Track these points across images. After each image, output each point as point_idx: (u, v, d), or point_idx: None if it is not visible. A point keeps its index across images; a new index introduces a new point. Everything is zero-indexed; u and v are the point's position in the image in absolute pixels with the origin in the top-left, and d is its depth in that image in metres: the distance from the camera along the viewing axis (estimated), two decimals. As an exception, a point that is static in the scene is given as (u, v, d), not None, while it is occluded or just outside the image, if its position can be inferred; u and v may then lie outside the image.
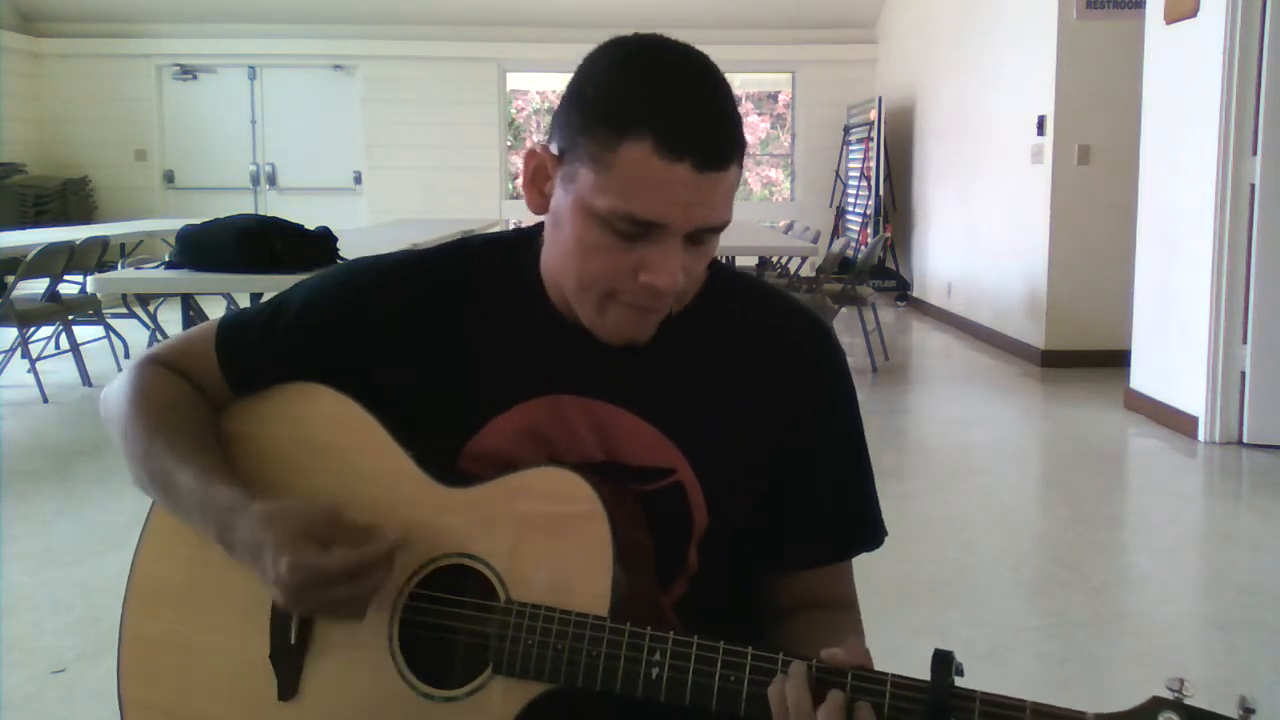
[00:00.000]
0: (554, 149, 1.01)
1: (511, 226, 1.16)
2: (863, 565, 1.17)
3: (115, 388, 1.16)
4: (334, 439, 1.11)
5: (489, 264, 1.14)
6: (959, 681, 0.87)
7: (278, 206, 9.96)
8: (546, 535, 1.01)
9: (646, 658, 0.95)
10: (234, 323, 1.18)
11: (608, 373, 1.08)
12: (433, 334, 1.11)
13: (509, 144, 11.15)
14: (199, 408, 1.14)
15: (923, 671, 0.88)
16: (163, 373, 1.16)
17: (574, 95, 0.99)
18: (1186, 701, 0.82)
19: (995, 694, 0.86)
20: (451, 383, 1.10)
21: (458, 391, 1.10)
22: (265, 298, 1.21)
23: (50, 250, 5.73)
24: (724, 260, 1.07)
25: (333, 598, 0.98)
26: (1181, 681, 0.82)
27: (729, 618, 1.11)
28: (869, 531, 1.14)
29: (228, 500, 1.03)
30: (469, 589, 1.03)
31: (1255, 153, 4.71)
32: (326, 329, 1.13)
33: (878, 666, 0.92)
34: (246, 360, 1.15)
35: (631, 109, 0.95)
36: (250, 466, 1.12)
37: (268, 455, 1.13)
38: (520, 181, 1.07)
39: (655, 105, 0.94)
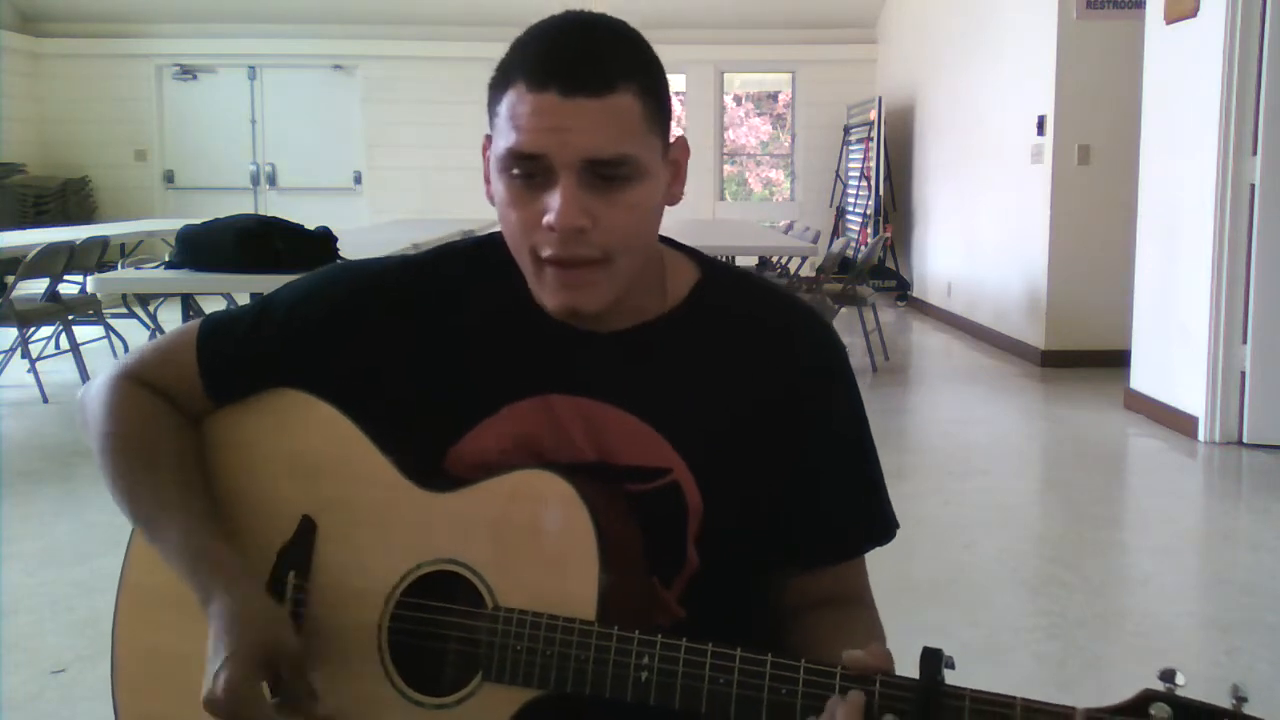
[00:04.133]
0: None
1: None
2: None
3: (93, 401, 1.13)
4: (317, 446, 1.10)
5: (478, 266, 1.13)
6: (950, 677, 0.87)
7: (278, 206, 9.96)
8: (531, 539, 1.00)
9: (635, 661, 0.94)
10: (215, 330, 1.15)
11: (600, 370, 1.07)
12: (423, 337, 1.11)
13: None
14: (182, 441, 1.12)
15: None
16: (142, 397, 1.12)
17: None
18: (1178, 693, 0.82)
19: (985, 691, 0.86)
20: (442, 385, 1.10)
21: (448, 394, 1.09)
22: (259, 298, 1.19)
23: (50, 250, 5.73)
24: (724, 260, 1.06)
25: None
26: (1173, 672, 0.82)
27: (734, 610, 1.11)
28: (879, 527, 1.14)
29: (209, 565, 1.03)
30: (457, 594, 1.02)
31: (1255, 153, 4.71)
32: (315, 334, 1.12)
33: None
34: (230, 369, 1.13)
35: (510, 62, 1.00)
36: (232, 475, 1.12)
37: (250, 463, 1.12)
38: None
39: (525, 52, 1.00)
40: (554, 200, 0.97)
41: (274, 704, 0.98)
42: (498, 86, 1.00)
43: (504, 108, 0.99)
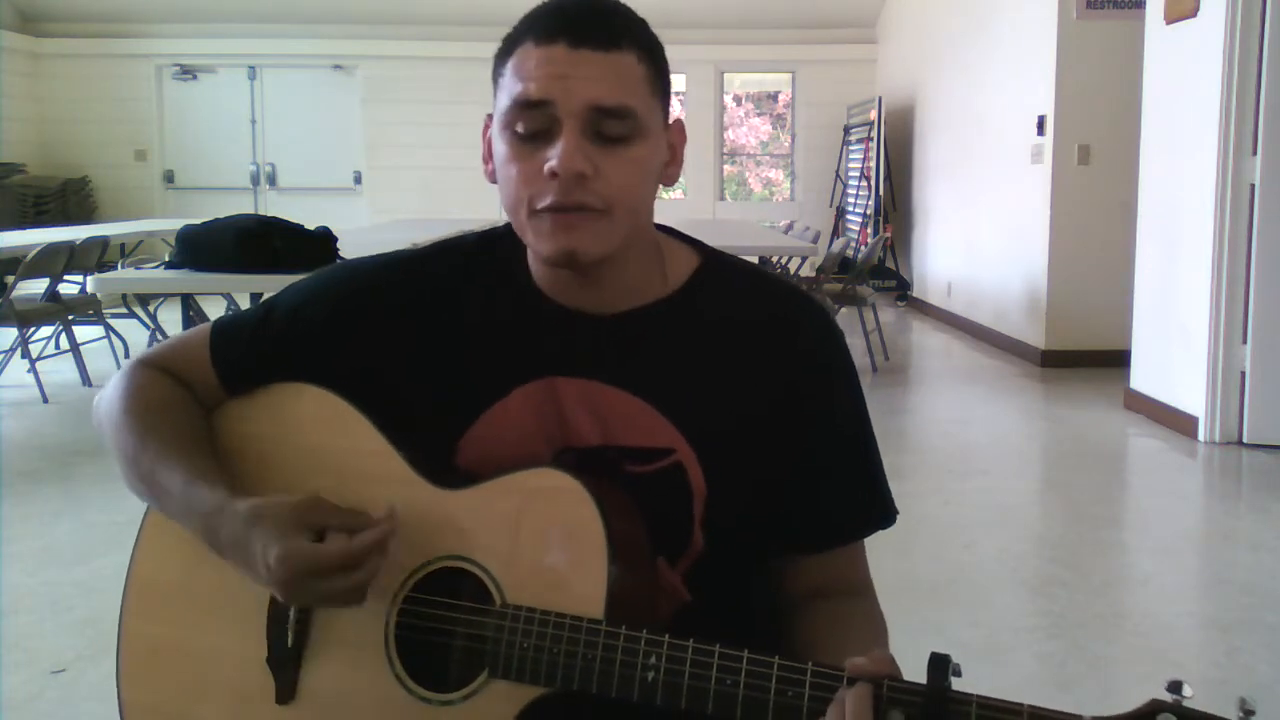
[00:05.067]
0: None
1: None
2: (863, 565, 1.17)
3: (107, 393, 1.16)
4: (326, 441, 1.11)
5: (480, 259, 1.14)
6: (956, 684, 0.87)
7: (278, 206, 9.96)
8: (540, 537, 1.01)
9: (642, 661, 0.95)
10: (228, 324, 1.18)
11: (602, 352, 1.08)
12: (428, 331, 1.12)
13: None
14: (191, 409, 1.14)
15: (922, 672, 0.88)
16: (155, 375, 1.16)
17: None
18: (1185, 704, 0.81)
19: (992, 698, 0.86)
20: (447, 376, 1.11)
21: (454, 384, 1.10)
22: (268, 296, 1.21)
23: (50, 250, 5.73)
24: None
25: (330, 587, 0.97)
26: (1180, 684, 0.82)
27: (739, 592, 1.11)
28: (879, 511, 1.14)
29: (212, 501, 1.03)
30: (464, 592, 1.03)
31: (1255, 153, 4.71)
32: (322, 329, 1.13)
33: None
34: (241, 362, 1.15)
35: (517, 29, 1.03)
36: (242, 468, 1.12)
37: (260, 456, 1.13)
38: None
39: (534, 16, 1.02)
40: (555, 149, 0.98)
41: (335, 551, 0.97)
42: (503, 54, 1.03)
43: (510, 66, 1.01)
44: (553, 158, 0.98)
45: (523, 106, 0.99)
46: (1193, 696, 0.81)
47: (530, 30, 1.00)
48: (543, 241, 1.02)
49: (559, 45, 0.98)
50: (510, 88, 1.00)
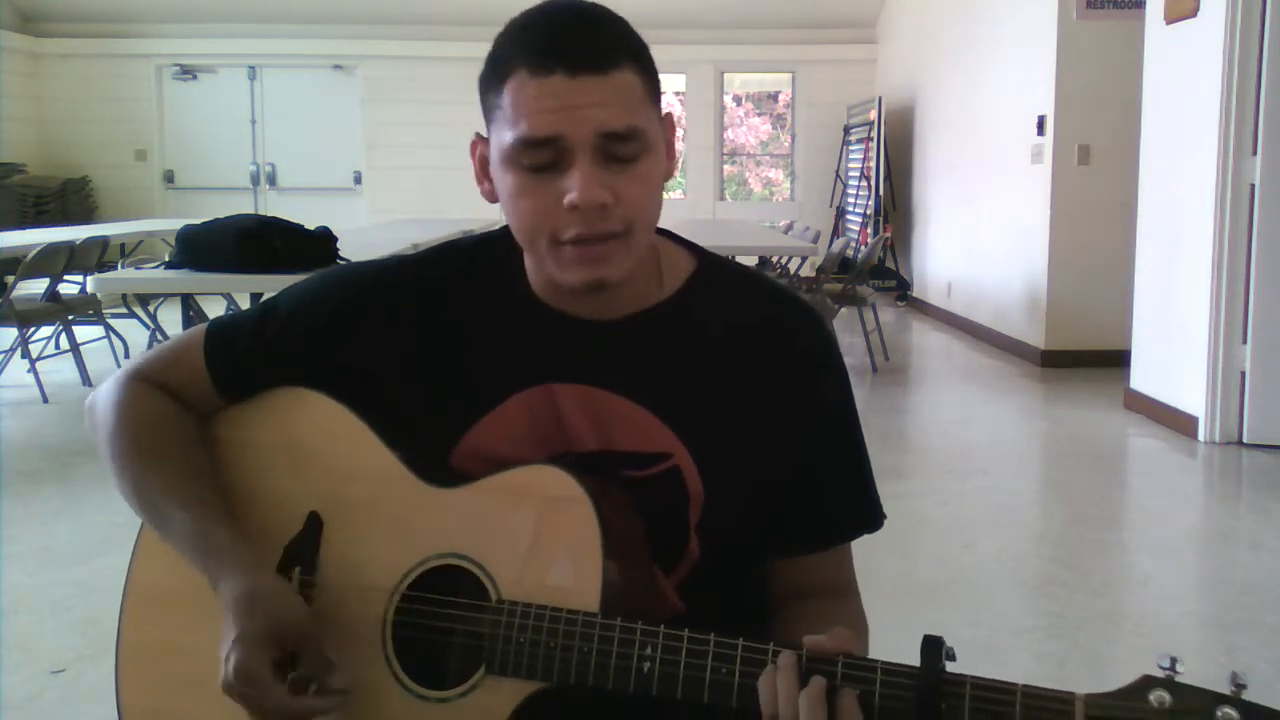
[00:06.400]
0: (485, 133, 1.04)
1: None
2: (863, 565, 1.17)
3: (102, 402, 1.15)
4: (323, 443, 1.11)
5: (477, 263, 1.14)
6: (951, 667, 0.87)
7: (278, 206, 9.96)
8: (536, 533, 1.01)
9: (638, 652, 0.95)
10: (222, 330, 1.17)
11: (600, 358, 1.08)
12: (425, 335, 1.12)
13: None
14: (189, 434, 1.13)
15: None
16: (151, 395, 1.14)
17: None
18: (1178, 679, 0.82)
19: (986, 679, 0.87)
20: (445, 381, 1.11)
21: (451, 389, 1.10)
22: (265, 298, 1.21)
23: (50, 250, 5.73)
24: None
25: (257, 713, 0.99)
26: (1173, 660, 0.82)
27: (734, 601, 1.11)
28: (867, 515, 1.14)
29: (216, 550, 1.04)
30: (461, 589, 1.03)
31: (1255, 153, 4.71)
32: (319, 333, 1.13)
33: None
34: (237, 368, 1.14)
35: (505, 53, 1.00)
36: (240, 472, 1.13)
37: (257, 461, 1.13)
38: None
39: (521, 40, 0.99)
40: (572, 181, 0.97)
41: (289, 680, 0.98)
42: (493, 80, 1.00)
43: (506, 99, 0.98)
44: (571, 190, 0.97)
45: (531, 145, 0.97)
46: (1185, 672, 0.82)
47: (522, 56, 0.97)
48: (568, 273, 1.01)
49: (556, 75, 0.96)
50: (513, 122, 0.97)
